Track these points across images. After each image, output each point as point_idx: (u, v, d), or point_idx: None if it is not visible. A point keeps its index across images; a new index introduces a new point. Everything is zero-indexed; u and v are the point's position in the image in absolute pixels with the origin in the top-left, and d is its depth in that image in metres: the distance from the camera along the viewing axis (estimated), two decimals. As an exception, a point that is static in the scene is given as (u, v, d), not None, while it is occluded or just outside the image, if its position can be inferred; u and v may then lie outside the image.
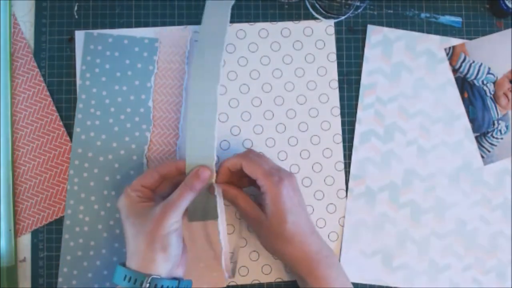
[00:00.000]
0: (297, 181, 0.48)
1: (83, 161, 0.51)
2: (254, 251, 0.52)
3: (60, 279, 0.50)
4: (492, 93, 0.55)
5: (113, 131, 0.52)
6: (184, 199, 0.43)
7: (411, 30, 0.55)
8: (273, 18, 0.55)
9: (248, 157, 0.47)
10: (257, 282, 0.52)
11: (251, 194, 0.49)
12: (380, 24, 0.55)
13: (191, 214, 0.47)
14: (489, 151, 0.54)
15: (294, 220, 0.45)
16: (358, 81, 0.54)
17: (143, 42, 0.52)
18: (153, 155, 0.52)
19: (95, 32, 0.53)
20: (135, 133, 0.52)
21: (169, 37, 0.53)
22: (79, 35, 0.53)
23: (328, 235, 0.53)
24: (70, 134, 0.52)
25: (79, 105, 0.52)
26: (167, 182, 0.47)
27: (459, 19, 0.56)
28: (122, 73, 0.52)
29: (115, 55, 0.52)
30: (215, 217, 0.46)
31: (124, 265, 0.43)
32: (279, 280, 0.52)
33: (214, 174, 0.46)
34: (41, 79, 0.53)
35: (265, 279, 0.52)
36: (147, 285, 0.40)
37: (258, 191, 0.47)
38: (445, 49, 0.55)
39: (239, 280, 0.52)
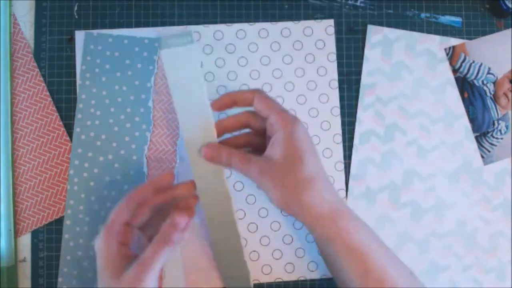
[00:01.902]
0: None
1: (83, 161, 0.51)
2: (254, 251, 0.52)
3: (60, 279, 0.50)
4: (492, 93, 0.55)
5: (113, 131, 0.52)
6: (160, 258, 0.39)
7: (411, 30, 0.55)
8: (273, 18, 0.55)
9: (260, 92, 0.43)
10: (257, 282, 0.52)
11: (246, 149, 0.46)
12: (380, 24, 0.55)
13: (202, 196, 0.44)
14: (489, 151, 0.54)
15: (312, 161, 0.40)
16: (358, 81, 0.54)
17: (143, 42, 0.52)
18: (153, 155, 0.52)
19: (95, 32, 0.53)
20: (135, 133, 0.52)
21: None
22: (79, 35, 0.53)
23: (328, 235, 0.53)
24: (70, 134, 0.52)
25: (79, 105, 0.52)
26: (146, 208, 0.43)
27: (459, 19, 0.56)
28: (122, 73, 0.52)
29: (115, 55, 0.52)
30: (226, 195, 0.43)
31: None
32: (279, 280, 0.52)
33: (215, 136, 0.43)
34: (41, 79, 0.53)
35: (265, 279, 0.52)
36: None
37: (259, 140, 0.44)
38: (445, 49, 0.55)
39: (239, 280, 0.52)
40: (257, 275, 0.52)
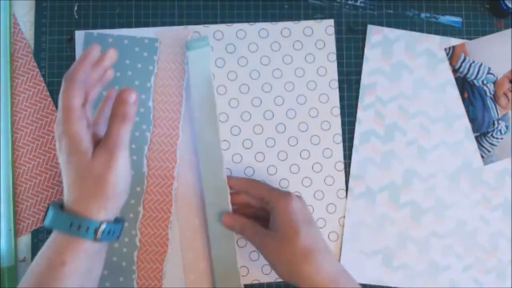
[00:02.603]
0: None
1: None
2: (254, 251, 0.52)
3: None
4: (492, 93, 0.55)
5: None
6: (124, 134, 0.41)
7: (411, 30, 0.55)
8: (273, 18, 0.55)
9: (250, 179, 0.49)
10: (257, 282, 0.52)
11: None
12: (380, 24, 0.55)
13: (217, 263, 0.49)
14: (489, 151, 0.54)
15: (308, 233, 0.43)
16: (358, 81, 0.54)
17: (143, 42, 0.52)
18: (153, 155, 0.52)
19: (95, 32, 0.52)
20: (135, 133, 0.52)
21: (169, 37, 0.53)
22: (79, 35, 0.53)
23: (328, 235, 0.53)
24: (70, 134, 0.52)
25: None
26: (92, 86, 0.44)
27: (459, 19, 0.56)
28: (122, 73, 0.52)
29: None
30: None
31: (60, 207, 0.40)
32: (279, 280, 0.52)
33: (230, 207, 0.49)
34: (41, 79, 0.53)
35: (265, 279, 0.52)
36: (99, 231, 0.38)
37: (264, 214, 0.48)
38: (445, 49, 0.55)
39: (239, 280, 0.52)
40: (257, 275, 0.52)
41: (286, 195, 0.45)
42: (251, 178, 0.51)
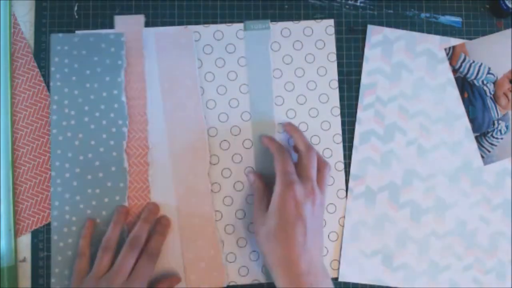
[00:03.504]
0: (322, 201, 0.48)
1: (63, 162, 0.51)
2: (254, 251, 0.52)
3: (53, 280, 0.50)
4: (492, 93, 0.55)
5: (89, 129, 0.52)
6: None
7: (411, 30, 0.55)
8: (273, 18, 0.55)
9: (281, 149, 0.49)
10: (257, 282, 0.52)
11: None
12: (380, 24, 0.55)
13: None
14: (489, 151, 0.54)
15: (288, 226, 0.44)
16: (358, 81, 0.54)
17: (109, 38, 0.52)
18: (129, 146, 0.52)
19: (60, 34, 0.53)
20: (111, 129, 0.52)
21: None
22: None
23: (328, 235, 0.53)
24: (70, 134, 0.52)
25: (53, 106, 0.52)
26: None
27: (459, 19, 0.56)
28: (91, 70, 0.52)
29: (82, 54, 0.52)
30: None
31: None
32: (279, 280, 0.52)
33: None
34: (41, 79, 0.53)
35: (265, 279, 0.52)
36: None
37: None
38: (445, 49, 0.55)
39: (239, 280, 0.52)
40: (257, 275, 0.52)
41: (288, 184, 0.45)
42: (281, 148, 0.50)
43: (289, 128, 0.51)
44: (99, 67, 0.52)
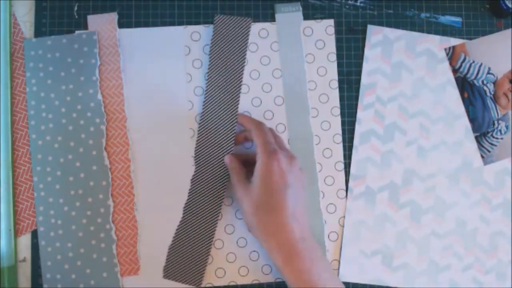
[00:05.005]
0: (299, 165, 0.47)
1: (44, 166, 0.51)
2: (254, 251, 0.52)
3: (45, 286, 0.50)
4: (492, 93, 0.55)
5: (68, 131, 0.51)
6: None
7: (411, 30, 0.55)
8: (273, 18, 0.55)
9: (258, 123, 0.48)
10: (257, 282, 0.52)
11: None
12: (380, 24, 0.55)
13: None
14: (489, 151, 0.55)
15: (276, 195, 0.44)
16: (358, 81, 0.54)
17: (81, 38, 0.52)
18: (107, 143, 0.52)
19: (34, 39, 0.52)
20: (90, 128, 0.52)
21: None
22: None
23: (328, 235, 0.53)
24: (70, 134, 0.52)
25: (30, 111, 0.52)
26: None
27: (459, 19, 0.56)
28: (66, 72, 0.52)
29: (56, 56, 0.52)
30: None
31: None
32: (279, 280, 0.52)
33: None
34: (41, 79, 0.53)
35: (265, 279, 0.52)
36: None
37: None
38: (445, 49, 0.55)
39: (239, 280, 0.52)
40: (257, 275, 0.52)
41: (271, 153, 0.45)
42: (261, 125, 0.49)
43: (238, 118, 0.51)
44: (73, 67, 0.52)
